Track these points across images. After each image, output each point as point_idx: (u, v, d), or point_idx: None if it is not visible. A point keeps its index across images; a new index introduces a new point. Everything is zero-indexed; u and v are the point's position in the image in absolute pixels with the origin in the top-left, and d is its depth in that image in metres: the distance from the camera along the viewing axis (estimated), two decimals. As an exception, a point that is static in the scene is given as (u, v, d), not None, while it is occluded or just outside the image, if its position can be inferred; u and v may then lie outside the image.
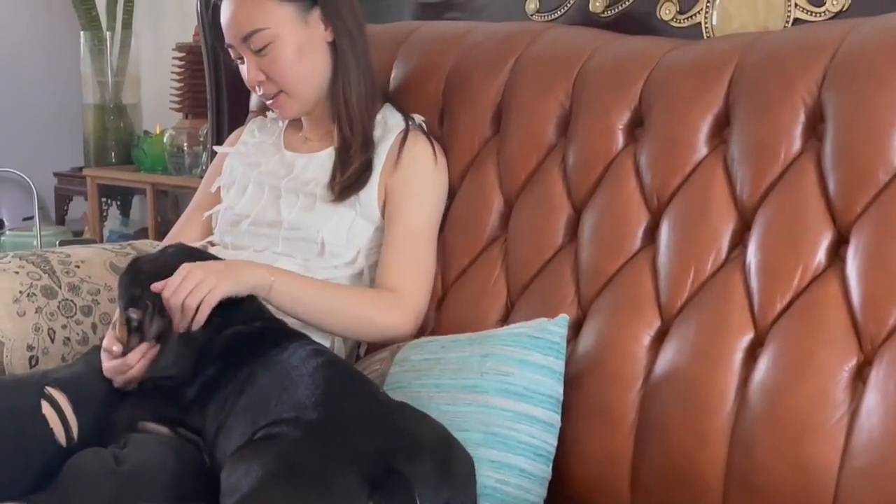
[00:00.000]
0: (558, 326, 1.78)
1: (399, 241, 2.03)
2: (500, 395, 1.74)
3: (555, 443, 1.75)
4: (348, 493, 1.46)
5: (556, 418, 1.75)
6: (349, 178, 2.04)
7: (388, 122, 2.11)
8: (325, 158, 2.10)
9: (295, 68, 2.05)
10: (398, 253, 2.03)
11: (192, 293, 1.82)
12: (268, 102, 2.13)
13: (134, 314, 1.89)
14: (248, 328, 1.83)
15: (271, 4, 2.03)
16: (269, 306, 1.93)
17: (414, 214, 2.05)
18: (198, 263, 1.89)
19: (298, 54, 2.05)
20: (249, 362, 1.74)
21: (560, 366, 1.76)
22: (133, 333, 1.90)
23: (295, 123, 2.21)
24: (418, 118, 2.14)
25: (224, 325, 1.83)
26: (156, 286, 1.84)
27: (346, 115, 2.07)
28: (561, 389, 1.76)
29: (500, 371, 1.75)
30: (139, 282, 1.91)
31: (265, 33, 2.02)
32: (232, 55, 2.11)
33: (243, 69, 2.10)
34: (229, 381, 1.74)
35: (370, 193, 2.05)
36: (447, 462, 1.57)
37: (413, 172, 2.06)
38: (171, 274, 1.85)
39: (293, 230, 2.05)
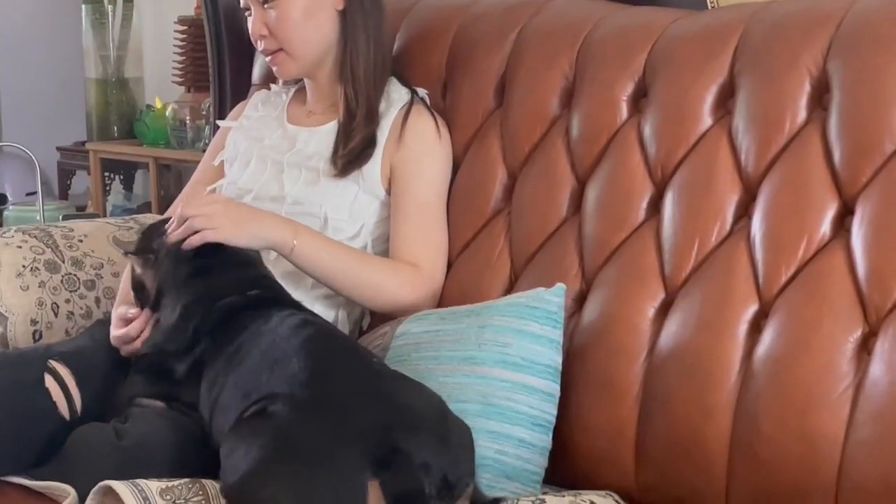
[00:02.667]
0: (555, 296, 1.77)
1: (410, 217, 2.03)
2: (499, 366, 1.74)
3: (554, 412, 1.75)
4: (352, 469, 1.45)
5: (556, 388, 1.75)
6: (351, 151, 2.04)
7: (392, 96, 2.10)
8: (328, 132, 2.09)
9: (299, 28, 2.05)
10: (411, 228, 2.03)
11: (201, 218, 1.85)
12: (266, 59, 2.12)
13: (137, 265, 1.90)
14: (242, 298, 1.81)
15: None
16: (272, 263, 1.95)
17: (422, 189, 2.05)
18: (230, 203, 1.95)
19: (305, 15, 2.04)
20: (238, 336, 1.73)
21: (558, 335, 1.76)
22: (138, 294, 1.91)
23: (299, 97, 2.20)
24: (421, 91, 2.13)
25: (220, 295, 1.82)
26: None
27: (353, 87, 2.07)
28: (559, 359, 1.76)
29: (497, 342, 1.75)
30: (147, 237, 1.94)
31: None
32: (241, 3, 2.11)
33: (247, 22, 2.10)
34: (218, 356, 1.73)
35: (373, 168, 2.05)
36: (445, 434, 1.56)
37: (417, 147, 2.06)
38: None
39: (296, 205, 2.05)
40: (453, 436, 1.57)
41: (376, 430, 1.49)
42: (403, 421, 1.52)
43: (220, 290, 1.83)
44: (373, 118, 2.06)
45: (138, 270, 1.90)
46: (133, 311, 1.92)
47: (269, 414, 1.54)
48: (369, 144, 2.05)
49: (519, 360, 1.73)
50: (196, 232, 1.86)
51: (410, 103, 2.08)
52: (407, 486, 1.46)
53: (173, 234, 1.86)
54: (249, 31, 2.11)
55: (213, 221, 1.86)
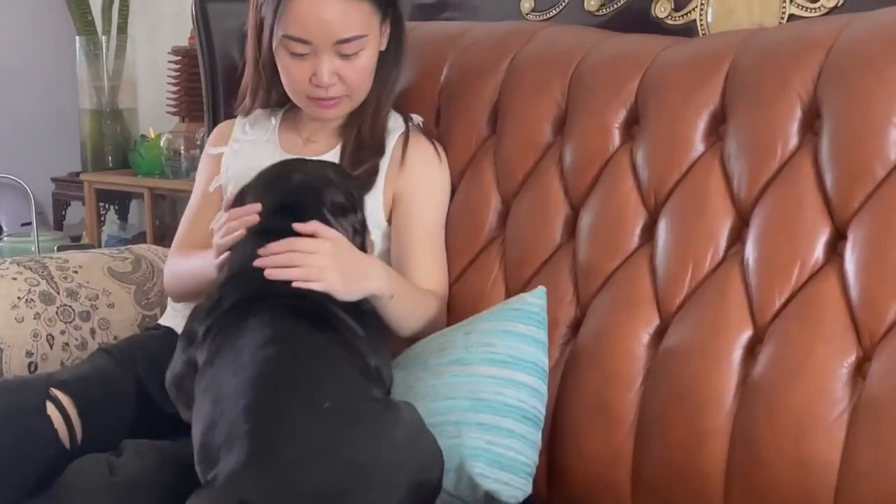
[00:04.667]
0: (536, 297, 1.79)
1: (421, 243, 2.03)
2: (486, 364, 1.75)
3: (543, 410, 1.76)
4: None
5: (543, 387, 1.76)
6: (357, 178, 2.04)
7: (390, 125, 2.11)
8: (330, 159, 2.09)
9: (368, 76, 2.04)
10: (424, 254, 2.03)
11: (299, 270, 1.76)
12: (319, 101, 2.04)
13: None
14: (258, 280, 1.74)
15: (369, 11, 1.99)
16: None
17: (427, 214, 2.06)
18: (339, 247, 1.80)
19: (373, 63, 2.04)
20: (226, 337, 1.67)
21: (543, 336, 1.77)
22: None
23: (289, 122, 2.18)
24: (417, 118, 2.14)
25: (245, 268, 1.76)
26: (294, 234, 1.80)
27: (372, 119, 2.07)
28: (546, 360, 1.77)
29: (483, 343, 1.76)
30: (250, 188, 1.89)
31: (363, 40, 1.98)
32: (296, 49, 1.99)
33: (298, 65, 2.00)
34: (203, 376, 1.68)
35: (376, 198, 2.05)
36: (401, 482, 1.50)
37: (420, 174, 2.06)
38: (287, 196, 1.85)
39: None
40: (419, 473, 1.53)
41: (325, 497, 1.43)
42: (357, 482, 1.45)
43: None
44: (381, 149, 2.06)
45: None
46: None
47: (212, 481, 1.48)
48: (374, 173, 2.05)
49: (506, 357, 1.74)
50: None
51: (407, 131, 2.09)
52: None
53: (274, 271, 1.75)
54: (304, 75, 2.00)
55: (324, 274, 1.77)
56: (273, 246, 1.76)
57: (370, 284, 1.84)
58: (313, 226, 1.79)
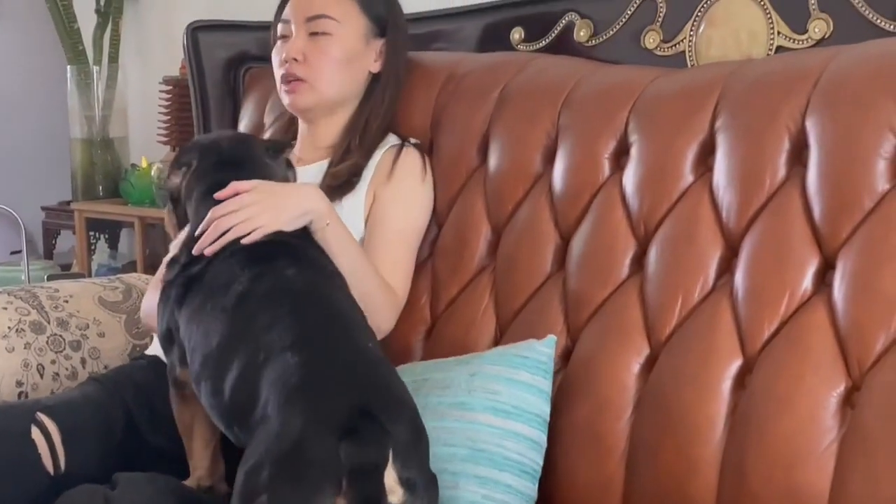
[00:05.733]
0: (546, 346, 1.79)
1: (386, 243, 2.05)
2: (488, 413, 1.74)
3: (541, 462, 1.75)
4: (323, 458, 1.40)
5: (543, 438, 1.76)
6: (337, 174, 2.07)
7: (382, 144, 2.14)
8: (317, 170, 2.12)
9: (334, 68, 2.10)
10: (389, 254, 2.05)
11: (238, 226, 1.76)
12: (284, 84, 2.13)
13: (175, 178, 1.91)
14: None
15: (351, 5, 2.11)
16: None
17: (400, 219, 2.08)
18: (260, 190, 1.81)
19: (345, 60, 2.11)
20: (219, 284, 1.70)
21: (547, 385, 1.77)
22: (178, 206, 1.92)
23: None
24: (413, 140, 2.16)
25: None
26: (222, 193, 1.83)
27: (360, 141, 2.11)
28: (548, 409, 1.76)
29: (487, 389, 1.76)
30: (187, 150, 1.93)
31: (332, 23, 2.09)
32: (279, 30, 2.15)
33: (280, 48, 2.14)
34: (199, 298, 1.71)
35: (357, 200, 2.08)
36: (419, 431, 1.51)
37: (402, 182, 2.09)
38: (223, 152, 1.90)
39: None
40: (425, 439, 1.53)
41: (355, 409, 1.45)
42: (387, 403, 1.48)
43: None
44: (366, 156, 2.10)
45: (176, 181, 1.91)
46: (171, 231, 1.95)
47: (265, 419, 1.50)
48: (356, 173, 2.08)
49: (509, 407, 1.74)
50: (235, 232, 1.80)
51: (402, 145, 2.12)
52: (368, 457, 1.41)
53: (211, 246, 1.76)
54: (281, 54, 2.13)
55: (255, 221, 1.77)
56: (199, 231, 1.79)
57: (301, 205, 1.83)
58: (232, 186, 1.82)
